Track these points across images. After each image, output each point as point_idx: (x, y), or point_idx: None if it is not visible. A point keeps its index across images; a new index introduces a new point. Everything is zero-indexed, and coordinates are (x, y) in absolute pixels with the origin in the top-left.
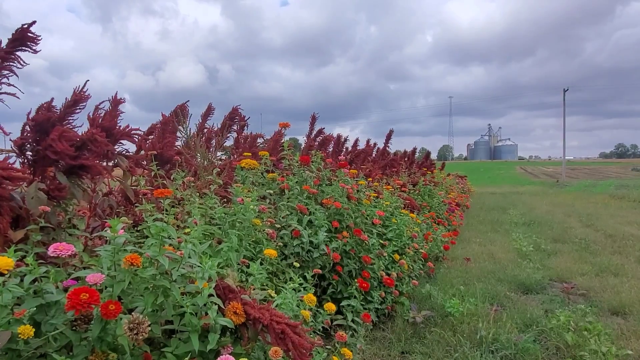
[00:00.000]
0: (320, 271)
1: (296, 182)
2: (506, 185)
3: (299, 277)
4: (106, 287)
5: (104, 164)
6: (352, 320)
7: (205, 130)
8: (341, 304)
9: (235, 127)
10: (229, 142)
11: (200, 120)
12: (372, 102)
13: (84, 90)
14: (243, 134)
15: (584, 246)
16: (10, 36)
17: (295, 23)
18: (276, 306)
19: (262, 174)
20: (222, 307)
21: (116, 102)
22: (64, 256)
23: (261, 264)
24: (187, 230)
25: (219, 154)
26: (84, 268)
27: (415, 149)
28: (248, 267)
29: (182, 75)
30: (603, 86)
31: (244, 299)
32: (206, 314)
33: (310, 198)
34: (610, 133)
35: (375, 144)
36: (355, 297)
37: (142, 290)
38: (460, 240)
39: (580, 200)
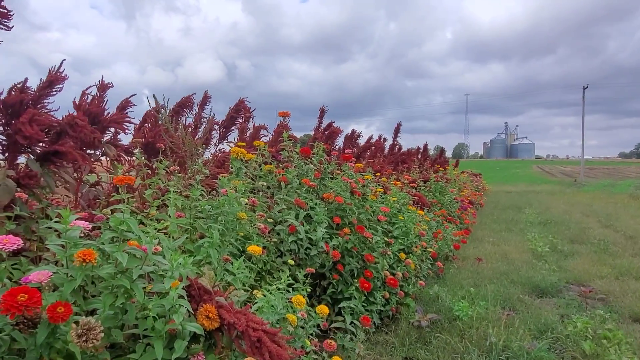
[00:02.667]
0: (313, 270)
1: (296, 175)
2: (522, 184)
3: (288, 277)
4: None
5: (93, 153)
6: (351, 323)
7: (204, 119)
8: (340, 305)
9: (240, 120)
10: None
11: (198, 110)
12: (389, 100)
13: (60, 70)
14: (248, 126)
15: (602, 247)
16: None
17: (315, 20)
18: (257, 309)
19: (259, 165)
20: (195, 310)
21: (103, 86)
22: (7, 250)
23: (249, 260)
24: (166, 224)
25: (221, 146)
26: (56, 263)
27: (426, 144)
28: (232, 264)
29: (201, 72)
30: (624, 84)
31: (219, 301)
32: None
33: (311, 192)
34: (630, 132)
35: (386, 139)
36: (355, 297)
37: (105, 290)
38: (472, 240)
39: (599, 200)
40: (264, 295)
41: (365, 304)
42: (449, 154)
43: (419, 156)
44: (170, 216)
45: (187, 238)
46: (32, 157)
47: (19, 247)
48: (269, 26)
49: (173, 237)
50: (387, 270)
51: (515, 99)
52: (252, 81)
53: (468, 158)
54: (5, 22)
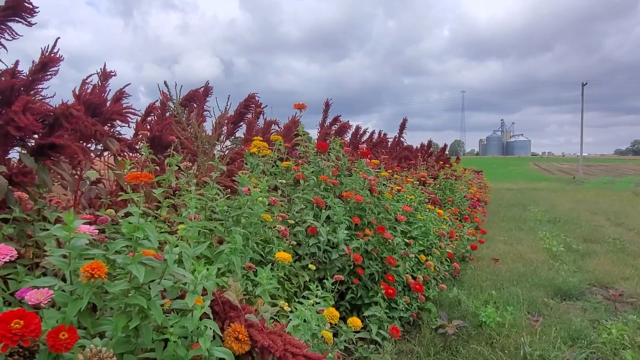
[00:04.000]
0: (342, 277)
1: (312, 171)
2: (521, 181)
3: (316, 285)
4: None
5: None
6: (377, 333)
7: (206, 112)
8: (364, 314)
9: (249, 116)
10: (240, 132)
11: (198, 103)
12: (386, 97)
13: (55, 51)
14: (259, 122)
15: (619, 247)
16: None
17: (313, 16)
18: (292, 328)
19: (274, 162)
20: (221, 329)
21: (105, 75)
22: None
23: (271, 269)
24: (181, 226)
25: (228, 143)
26: (56, 274)
27: (430, 141)
28: (255, 273)
29: (198, 69)
30: (621, 82)
31: (249, 319)
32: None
33: (329, 190)
34: (626, 129)
35: (386, 134)
36: (378, 304)
37: (116, 309)
38: (484, 239)
39: (603, 197)
40: (296, 309)
41: (387, 311)
42: (446, 150)
43: (422, 152)
44: (191, 219)
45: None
46: (25, 151)
47: (12, 258)
48: (266, 23)
49: (191, 244)
50: (409, 273)
51: (512, 97)
52: (249, 78)
53: (464, 155)
54: (28, 17)
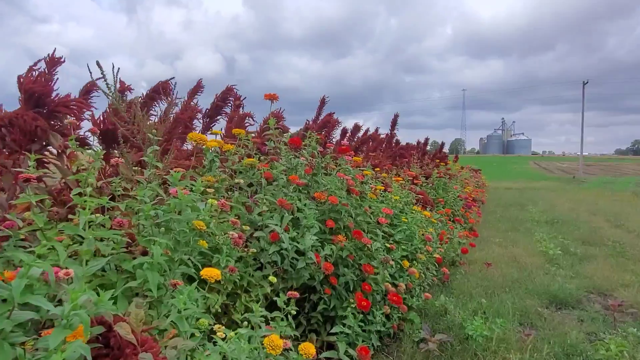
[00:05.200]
0: (297, 295)
1: (284, 170)
2: (521, 180)
3: (260, 305)
4: None
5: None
6: (346, 353)
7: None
8: (332, 331)
9: (227, 110)
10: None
11: (187, 98)
12: (387, 95)
13: None
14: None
15: (619, 250)
16: None
17: (316, 14)
18: None
19: (241, 159)
20: None
21: (53, 62)
22: None
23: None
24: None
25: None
26: None
27: (427, 138)
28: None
29: (200, 65)
30: (622, 81)
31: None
32: None
33: (300, 191)
34: (626, 129)
35: (377, 129)
36: (351, 316)
37: None
38: (478, 241)
39: (603, 197)
40: (223, 340)
41: (362, 324)
42: (446, 149)
43: (418, 150)
44: (85, 229)
45: (126, 253)
46: None
47: None
48: (269, 20)
49: (86, 260)
50: (389, 282)
51: (513, 95)
52: (251, 75)
53: (465, 154)
54: None
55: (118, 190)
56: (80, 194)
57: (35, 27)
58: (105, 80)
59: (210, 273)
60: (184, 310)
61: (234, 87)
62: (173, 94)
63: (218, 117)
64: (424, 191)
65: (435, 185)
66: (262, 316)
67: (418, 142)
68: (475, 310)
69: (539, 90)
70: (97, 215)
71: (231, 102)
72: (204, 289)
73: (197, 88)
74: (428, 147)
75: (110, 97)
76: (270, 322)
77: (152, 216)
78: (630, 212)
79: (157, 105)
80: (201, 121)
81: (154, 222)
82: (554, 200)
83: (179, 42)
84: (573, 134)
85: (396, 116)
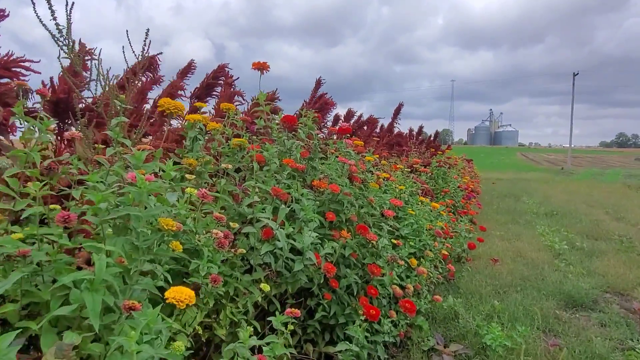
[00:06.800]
0: (298, 313)
1: (276, 152)
2: (510, 171)
3: (250, 318)
4: None
5: None
6: None
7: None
8: (336, 350)
9: (219, 90)
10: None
11: (177, 78)
12: (377, 84)
13: None
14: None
15: (627, 245)
16: None
17: (307, 2)
18: None
19: (228, 140)
20: None
21: None
22: None
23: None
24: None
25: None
26: None
27: (422, 126)
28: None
29: (189, 51)
30: (609, 75)
31: None
32: None
33: (295, 178)
34: (611, 122)
35: (372, 115)
36: (357, 328)
37: None
38: (480, 235)
39: (596, 189)
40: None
41: (367, 335)
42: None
43: (412, 139)
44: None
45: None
46: None
47: None
48: (260, 7)
49: None
50: (397, 284)
51: (502, 87)
52: (241, 62)
53: (452, 144)
54: None
55: (74, 175)
56: (15, 176)
57: (21, 10)
58: (58, 26)
59: (180, 295)
60: (137, 353)
61: (226, 65)
62: (157, 72)
63: (208, 99)
64: (424, 181)
65: (435, 175)
66: (259, 312)
67: (410, 130)
68: (489, 315)
69: (528, 83)
70: (41, 206)
71: (222, 82)
72: (173, 313)
73: (188, 68)
74: (421, 137)
75: (59, 44)
76: (264, 349)
77: (103, 210)
78: (628, 204)
79: (140, 82)
80: (189, 101)
81: (106, 218)
82: (547, 192)
83: (168, 28)
84: (560, 126)
85: (400, 105)
